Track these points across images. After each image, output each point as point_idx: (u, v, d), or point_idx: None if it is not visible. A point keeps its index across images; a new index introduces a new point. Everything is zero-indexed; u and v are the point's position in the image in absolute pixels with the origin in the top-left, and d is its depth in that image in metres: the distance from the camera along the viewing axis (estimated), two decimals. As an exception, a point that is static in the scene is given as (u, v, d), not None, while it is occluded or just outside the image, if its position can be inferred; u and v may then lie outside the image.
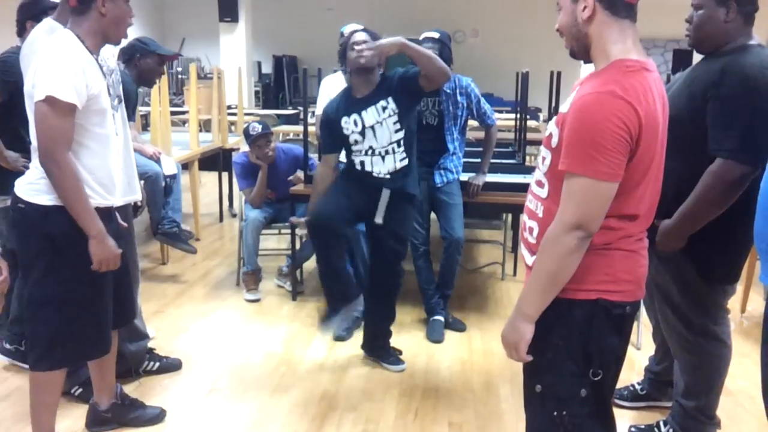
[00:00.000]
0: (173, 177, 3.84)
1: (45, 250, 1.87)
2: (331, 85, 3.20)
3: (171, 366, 2.70)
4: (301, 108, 7.30)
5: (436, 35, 2.96)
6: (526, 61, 5.76)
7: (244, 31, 9.72)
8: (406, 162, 2.59)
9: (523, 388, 1.48)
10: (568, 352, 1.37)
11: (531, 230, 1.43)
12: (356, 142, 2.58)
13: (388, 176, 2.59)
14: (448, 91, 3.01)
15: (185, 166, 4.49)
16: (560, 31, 1.41)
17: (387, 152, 2.57)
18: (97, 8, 1.83)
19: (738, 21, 1.84)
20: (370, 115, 2.54)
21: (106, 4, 1.83)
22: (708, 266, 1.94)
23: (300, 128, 5.25)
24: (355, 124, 2.56)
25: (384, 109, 2.53)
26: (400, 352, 2.84)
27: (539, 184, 1.42)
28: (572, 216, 1.27)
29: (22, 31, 2.43)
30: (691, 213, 1.84)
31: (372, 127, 2.54)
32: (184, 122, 7.04)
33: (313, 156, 3.71)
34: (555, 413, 1.39)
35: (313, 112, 3.39)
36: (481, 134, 3.35)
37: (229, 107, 6.07)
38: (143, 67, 3.22)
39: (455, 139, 3.07)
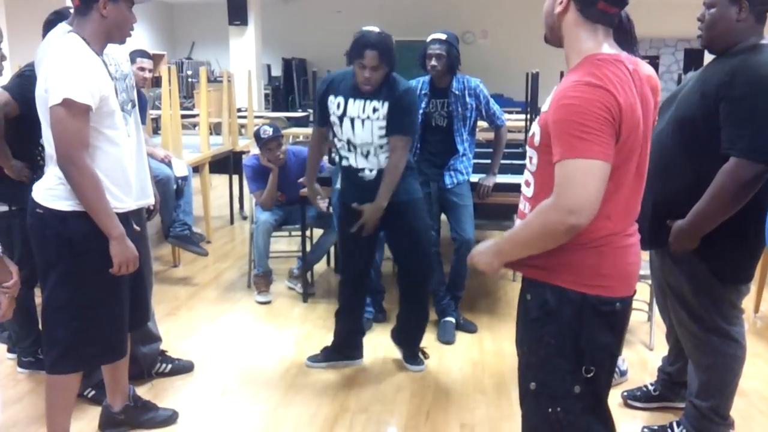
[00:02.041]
0: (184, 180, 3.87)
1: (63, 256, 1.89)
2: None
3: (183, 368, 2.72)
4: (310, 110, 7.33)
5: (444, 36, 2.96)
6: (536, 62, 5.75)
7: (253, 35, 9.77)
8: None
9: (519, 387, 1.51)
10: (559, 350, 1.39)
11: None
12: (333, 125, 2.52)
13: (375, 173, 2.51)
14: (457, 92, 3.01)
15: (196, 168, 4.52)
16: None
17: (368, 153, 2.51)
18: (98, 9, 1.85)
19: (750, 20, 1.83)
20: (355, 106, 2.46)
21: (107, 6, 1.85)
22: (721, 266, 1.93)
23: (310, 130, 5.27)
24: (338, 107, 2.49)
25: (374, 110, 2.45)
26: (427, 356, 2.84)
27: (527, 183, 1.45)
28: (568, 200, 1.26)
29: None
30: (705, 212, 1.83)
31: (352, 120, 2.46)
32: (194, 125, 7.09)
33: (323, 159, 3.72)
34: (549, 410, 1.41)
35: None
36: (491, 135, 3.35)
37: (239, 110, 6.10)
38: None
39: (465, 140, 3.07)
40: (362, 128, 2.47)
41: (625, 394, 2.47)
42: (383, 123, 2.46)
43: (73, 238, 1.87)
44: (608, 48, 1.36)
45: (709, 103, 1.81)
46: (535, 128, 1.40)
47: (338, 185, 3.09)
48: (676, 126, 1.91)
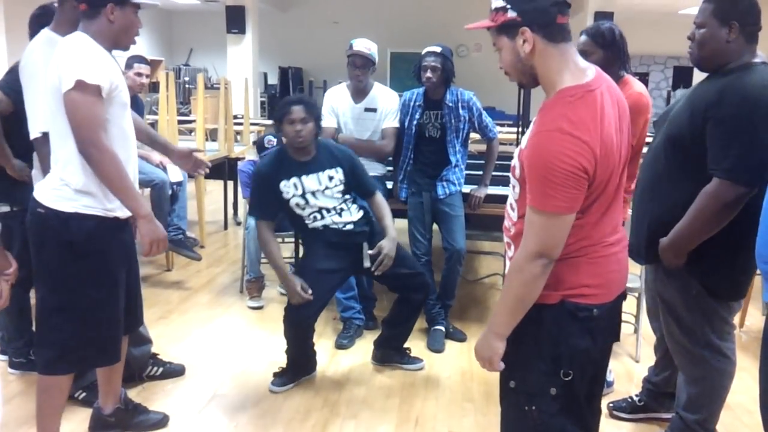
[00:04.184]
0: (179, 185, 3.90)
1: (62, 257, 1.89)
2: (335, 97, 3.24)
3: (174, 371, 2.73)
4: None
5: (438, 49, 3.01)
6: (529, 76, 5.87)
7: (250, 43, 9.82)
8: (363, 212, 2.65)
9: (499, 384, 1.55)
10: (537, 352, 1.43)
11: (509, 245, 1.52)
12: (298, 205, 2.55)
13: (351, 226, 2.60)
14: (450, 104, 3.06)
15: (191, 174, 4.53)
16: (504, 70, 1.43)
17: (342, 209, 2.60)
18: (105, 14, 1.87)
19: (740, 40, 1.83)
20: (312, 180, 2.53)
21: (114, 12, 1.87)
22: (714, 282, 1.95)
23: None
24: (295, 187, 2.53)
25: (331, 178, 2.55)
26: (410, 351, 2.92)
27: (511, 206, 1.50)
28: (534, 246, 1.34)
29: None
30: (687, 231, 1.86)
31: (314, 193, 2.54)
32: (190, 131, 7.11)
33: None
34: (526, 408, 1.46)
35: (318, 123, 3.45)
36: (483, 147, 3.40)
37: (235, 117, 6.12)
38: None
39: (457, 152, 3.11)
40: (325, 196, 2.57)
41: (611, 405, 2.50)
42: (342, 188, 2.58)
43: (74, 240, 1.87)
44: (580, 73, 1.36)
45: (697, 122, 1.82)
46: (516, 162, 1.43)
47: None
48: (668, 144, 1.94)
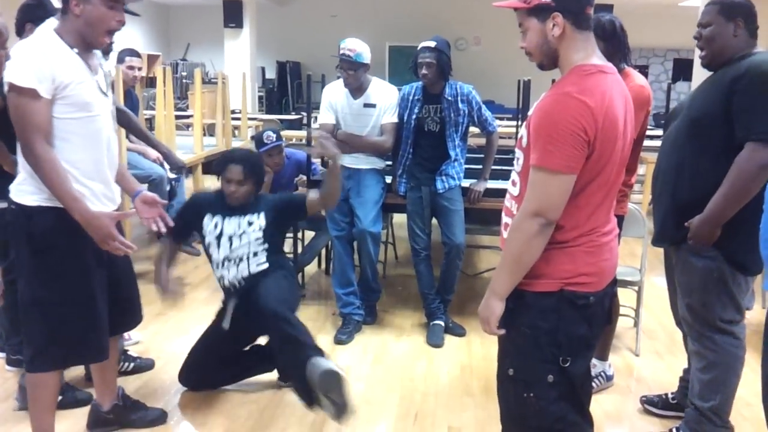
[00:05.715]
0: (177, 180, 3.88)
1: (29, 250, 1.87)
2: (333, 93, 3.21)
3: (145, 366, 2.73)
4: (303, 113, 7.35)
5: (433, 44, 2.97)
6: (528, 69, 5.83)
7: (248, 37, 9.78)
8: (264, 266, 2.49)
9: (497, 370, 1.58)
10: (534, 340, 1.48)
11: (506, 226, 1.53)
12: (210, 245, 2.51)
13: (242, 282, 2.48)
14: (450, 98, 3.04)
15: (189, 169, 4.52)
16: (527, 50, 1.49)
17: (241, 260, 2.49)
18: (71, 9, 1.82)
19: (745, 35, 1.98)
20: (231, 224, 2.49)
21: (79, 5, 1.81)
22: (742, 256, 1.99)
23: (303, 133, 5.30)
24: (215, 226, 2.50)
25: (250, 224, 2.50)
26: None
27: (513, 183, 1.54)
28: (532, 204, 1.40)
29: (21, 32, 2.42)
30: (724, 200, 1.91)
31: (230, 237, 2.48)
32: (188, 126, 7.08)
33: (316, 161, 3.73)
34: (525, 395, 1.50)
35: (316, 118, 3.42)
36: (482, 141, 3.38)
37: (233, 112, 6.10)
38: None
39: (457, 146, 3.10)
40: (239, 242, 2.49)
41: (644, 398, 2.52)
42: (260, 234, 2.49)
43: (35, 233, 1.85)
44: (596, 58, 1.44)
45: (723, 98, 1.91)
46: (523, 131, 1.48)
47: None
48: (691, 127, 2.01)
